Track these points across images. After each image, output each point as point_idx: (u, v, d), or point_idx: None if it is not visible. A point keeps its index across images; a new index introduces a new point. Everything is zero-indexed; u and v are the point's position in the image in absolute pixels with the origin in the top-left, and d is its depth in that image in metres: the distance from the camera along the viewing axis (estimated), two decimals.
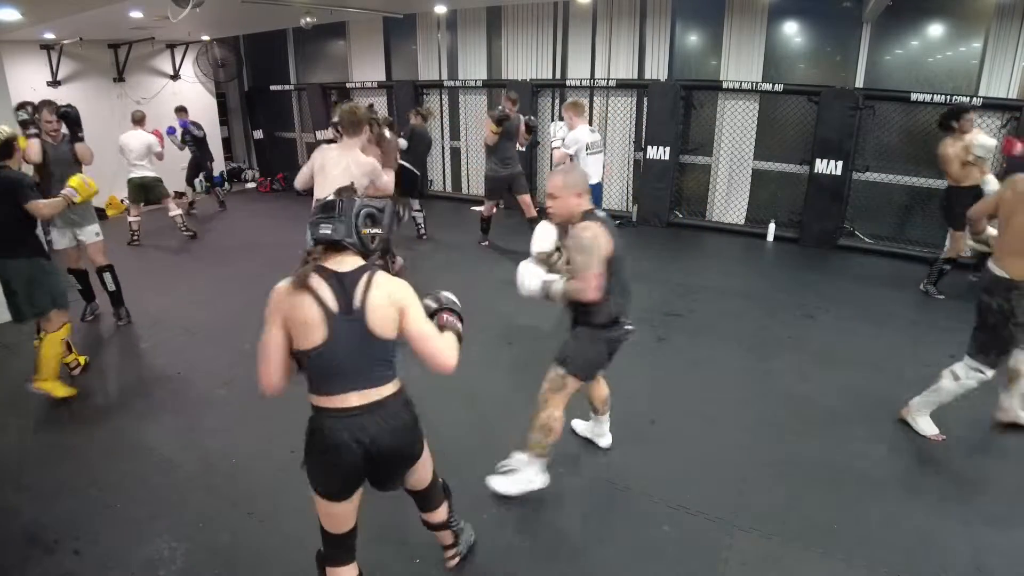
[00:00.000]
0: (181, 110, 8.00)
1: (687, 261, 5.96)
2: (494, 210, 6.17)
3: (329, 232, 1.63)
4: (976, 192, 4.30)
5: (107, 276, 4.41)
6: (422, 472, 1.91)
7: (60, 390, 3.37)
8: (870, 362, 3.71)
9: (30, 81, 7.53)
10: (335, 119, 3.98)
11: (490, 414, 3.24)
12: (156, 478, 2.76)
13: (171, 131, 7.66)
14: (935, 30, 5.75)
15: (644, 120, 6.93)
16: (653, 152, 6.75)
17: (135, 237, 6.55)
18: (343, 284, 1.61)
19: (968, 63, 5.60)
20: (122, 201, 7.96)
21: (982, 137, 4.47)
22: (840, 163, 5.89)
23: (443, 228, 6.88)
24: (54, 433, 3.16)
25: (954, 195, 4.58)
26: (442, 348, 1.71)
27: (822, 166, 5.97)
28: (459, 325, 1.87)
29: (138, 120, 6.49)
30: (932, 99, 5.43)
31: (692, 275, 5.42)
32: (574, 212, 2.30)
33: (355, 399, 1.63)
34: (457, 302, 1.92)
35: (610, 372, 2.72)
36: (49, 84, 7.80)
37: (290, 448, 2.90)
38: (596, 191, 4.97)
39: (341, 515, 1.74)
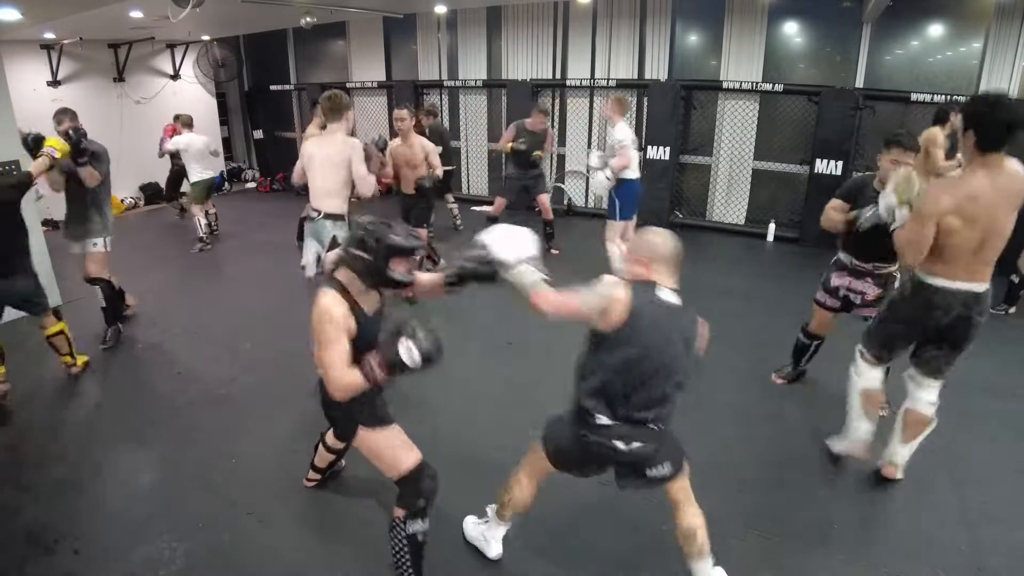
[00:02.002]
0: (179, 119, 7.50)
1: (687, 261, 5.93)
2: (501, 209, 5.99)
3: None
4: None
5: (98, 290, 4.10)
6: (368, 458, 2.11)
7: (81, 358, 3.78)
8: None
9: (30, 81, 7.53)
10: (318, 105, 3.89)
11: (489, 413, 3.24)
12: (156, 478, 2.77)
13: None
14: (935, 30, 5.75)
15: (644, 120, 6.93)
16: (653, 152, 6.75)
17: (213, 232, 6.69)
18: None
19: (968, 63, 5.60)
20: (123, 200, 8.07)
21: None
22: (840, 163, 5.89)
23: (443, 228, 6.87)
24: (54, 433, 3.16)
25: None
26: (326, 371, 1.86)
27: (822, 166, 5.97)
28: (376, 373, 1.76)
29: (188, 123, 6.50)
30: (932, 99, 5.43)
31: (692, 275, 5.39)
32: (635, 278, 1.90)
33: None
34: (412, 357, 1.73)
35: None
36: (49, 84, 7.80)
37: (291, 448, 2.92)
38: (635, 187, 4.84)
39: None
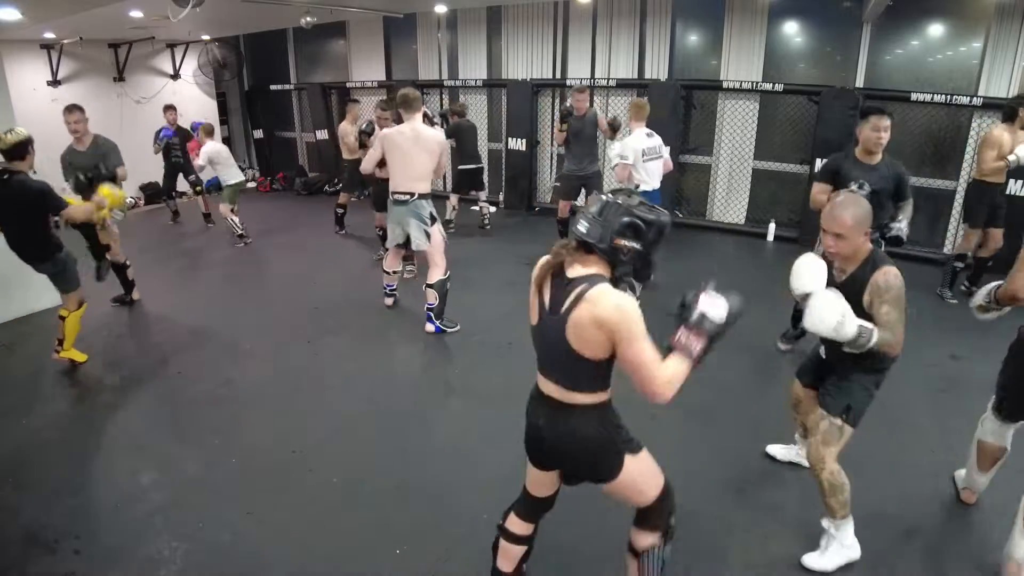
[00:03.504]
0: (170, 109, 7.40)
1: (687, 261, 5.95)
2: (568, 211, 5.61)
3: (583, 231, 1.56)
4: (1002, 189, 4.25)
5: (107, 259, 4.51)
6: (620, 495, 1.72)
7: (79, 356, 3.76)
8: None
9: (30, 81, 7.54)
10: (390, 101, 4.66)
11: (488, 414, 3.24)
12: (156, 478, 2.76)
13: (168, 133, 7.26)
14: (935, 30, 5.74)
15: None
16: None
17: (244, 234, 6.68)
18: (564, 287, 1.55)
19: (968, 63, 5.60)
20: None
21: None
22: None
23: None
24: (54, 432, 3.17)
25: (976, 190, 4.49)
26: (654, 377, 1.49)
27: (822, 166, 5.96)
28: (695, 348, 1.54)
29: (209, 132, 6.78)
30: (932, 99, 5.43)
31: (692, 275, 5.39)
32: (860, 251, 2.05)
33: (545, 385, 1.66)
34: (719, 313, 1.57)
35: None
36: (49, 84, 7.81)
37: (291, 448, 2.92)
38: (654, 199, 4.59)
39: (531, 476, 1.83)
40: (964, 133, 5.56)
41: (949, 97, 5.36)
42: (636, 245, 1.55)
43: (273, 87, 9.86)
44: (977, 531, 2.40)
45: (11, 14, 4.98)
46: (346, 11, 6.94)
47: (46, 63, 7.73)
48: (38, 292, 4.50)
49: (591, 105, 5.82)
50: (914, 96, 5.52)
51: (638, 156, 4.54)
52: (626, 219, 1.54)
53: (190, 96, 9.29)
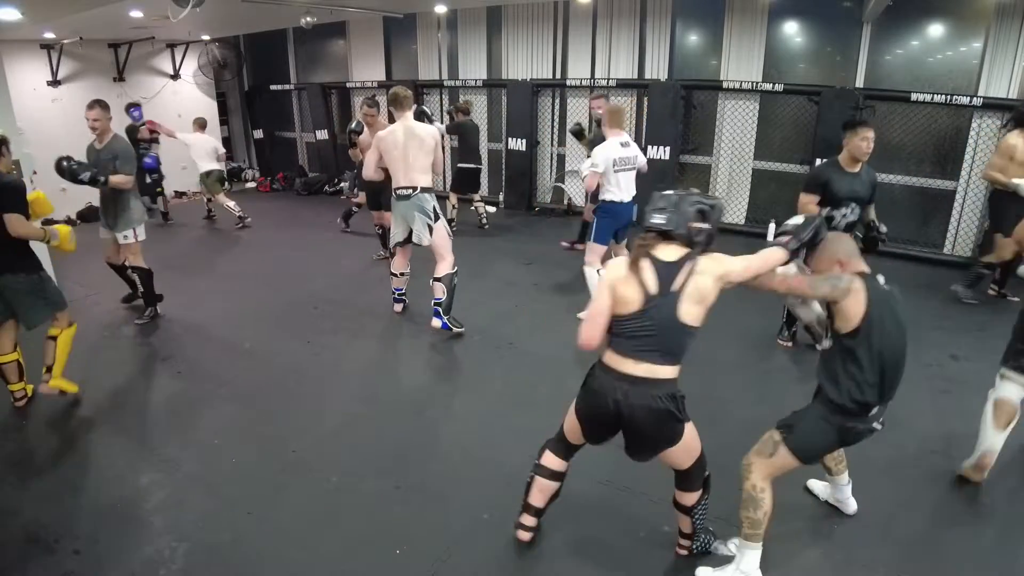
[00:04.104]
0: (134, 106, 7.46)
1: None
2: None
3: (662, 222, 1.87)
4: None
5: (136, 276, 4.46)
6: (676, 458, 2.01)
7: (70, 386, 3.38)
8: None
9: (30, 81, 7.53)
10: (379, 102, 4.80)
11: (487, 414, 3.24)
12: (156, 478, 2.76)
13: (136, 113, 7.29)
14: (935, 30, 5.74)
15: (644, 120, 6.92)
16: (653, 152, 6.73)
17: (243, 215, 7.24)
18: (665, 271, 1.84)
19: (968, 63, 5.60)
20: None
21: None
22: None
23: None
24: (54, 432, 3.17)
25: (1002, 198, 4.45)
26: (765, 261, 1.96)
27: None
28: (786, 241, 1.99)
29: (202, 125, 7.35)
30: (932, 99, 5.43)
31: None
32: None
33: (632, 366, 1.87)
34: (801, 225, 2.03)
35: None
36: (49, 84, 7.80)
37: (291, 448, 2.92)
38: (624, 212, 4.24)
39: (578, 434, 2.10)
40: (964, 133, 5.57)
41: (949, 97, 5.36)
42: (706, 225, 1.89)
43: (273, 87, 9.86)
44: (978, 530, 2.40)
45: (11, 14, 4.98)
46: (346, 11, 6.94)
47: (46, 63, 7.72)
48: None
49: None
50: (914, 96, 5.52)
51: (609, 166, 4.10)
52: (695, 206, 1.88)
53: (190, 96, 9.28)
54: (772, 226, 6.46)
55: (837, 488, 2.43)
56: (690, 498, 2.09)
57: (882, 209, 6.10)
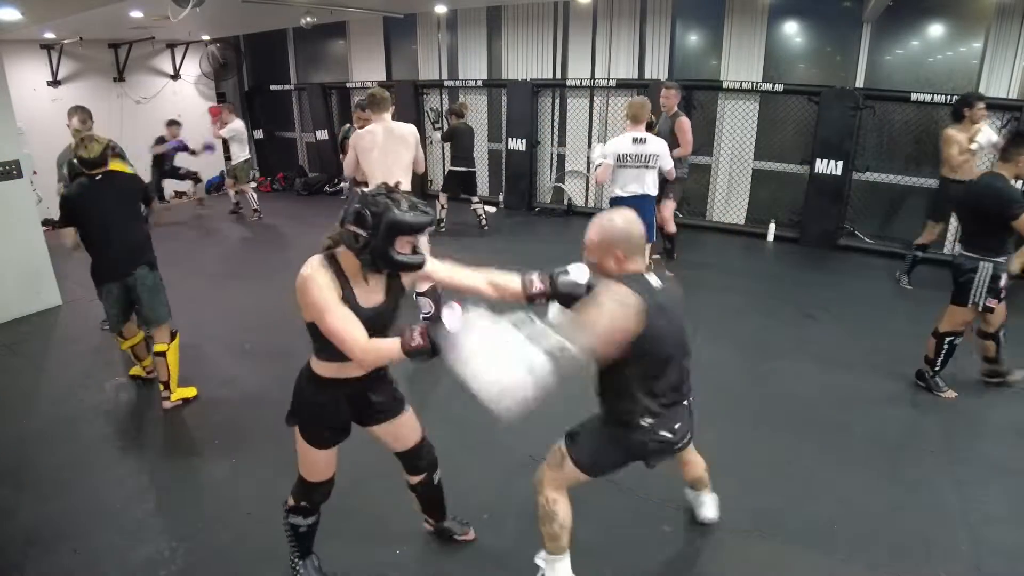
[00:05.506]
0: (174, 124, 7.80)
1: (687, 261, 5.96)
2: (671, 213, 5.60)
3: (341, 214, 1.76)
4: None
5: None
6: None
7: (190, 392, 3.42)
8: (870, 362, 3.71)
9: (30, 81, 7.54)
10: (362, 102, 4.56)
11: (488, 415, 3.23)
12: (156, 478, 2.76)
13: (176, 145, 7.67)
14: (935, 30, 5.75)
15: None
16: None
17: (258, 208, 7.66)
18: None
19: (968, 63, 5.60)
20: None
21: (989, 131, 4.45)
22: (840, 163, 5.88)
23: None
24: (53, 432, 3.16)
25: (946, 187, 4.57)
26: (337, 331, 1.71)
27: (822, 166, 5.97)
28: (415, 342, 1.75)
29: (232, 109, 7.98)
30: (932, 99, 5.43)
31: (692, 275, 5.41)
32: (611, 275, 1.88)
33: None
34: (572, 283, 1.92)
35: None
36: (49, 84, 7.81)
37: (291, 448, 2.91)
38: (637, 205, 3.83)
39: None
40: None
41: (949, 97, 5.36)
42: (358, 230, 1.78)
43: (273, 87, 9.86)
44: (977, 532, 2.40)
45: (11, 14, 4.98)
46: (346, 11, 6.94)
47: (46, 63, 7.73)
48: (38, 292, 4.51)
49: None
50: (914, 96, 5.52)
51: (613, 160, 4.17)
52: (355, 207, 1.80)
53: (190, 96, 9.28)
54: (772, 226, 6.46)
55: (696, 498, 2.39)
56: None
57: (882, 209, 6.18)
